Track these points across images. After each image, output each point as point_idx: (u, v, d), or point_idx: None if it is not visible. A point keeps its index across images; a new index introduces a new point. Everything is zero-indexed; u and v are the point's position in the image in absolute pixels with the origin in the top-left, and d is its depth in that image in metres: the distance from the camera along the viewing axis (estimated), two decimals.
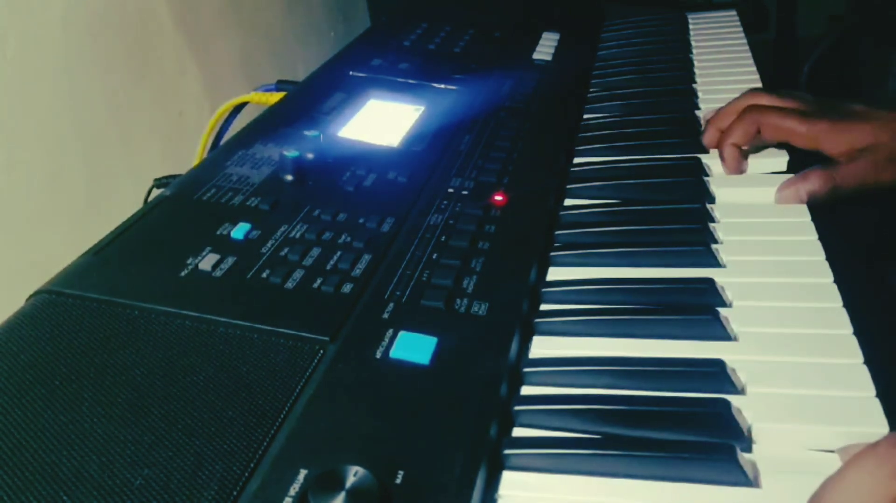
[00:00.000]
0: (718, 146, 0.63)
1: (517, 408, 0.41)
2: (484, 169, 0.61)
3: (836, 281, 0.48)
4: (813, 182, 0.57)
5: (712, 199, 0.60)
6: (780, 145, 0.63)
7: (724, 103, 0.67)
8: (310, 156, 0.61)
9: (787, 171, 0.62)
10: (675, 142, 0.68)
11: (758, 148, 0.63)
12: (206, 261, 0.48)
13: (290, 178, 0.58)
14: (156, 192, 0.66)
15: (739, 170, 0.62)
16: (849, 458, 0.33)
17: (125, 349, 0.41)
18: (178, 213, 0.54)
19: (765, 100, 0.63)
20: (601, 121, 0.76)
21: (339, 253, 0.49)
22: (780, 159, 0.63)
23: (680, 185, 0.61)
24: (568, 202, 0.62)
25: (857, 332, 0.44)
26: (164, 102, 0.88)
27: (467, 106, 0.74)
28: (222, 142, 0.80)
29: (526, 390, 0.43)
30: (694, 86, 0.80)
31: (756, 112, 0.61)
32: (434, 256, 0.50)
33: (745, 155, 0.63)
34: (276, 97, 0.79)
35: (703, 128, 0.67)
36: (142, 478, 0.34)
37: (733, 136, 0.62)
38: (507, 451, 0.38)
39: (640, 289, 0.49)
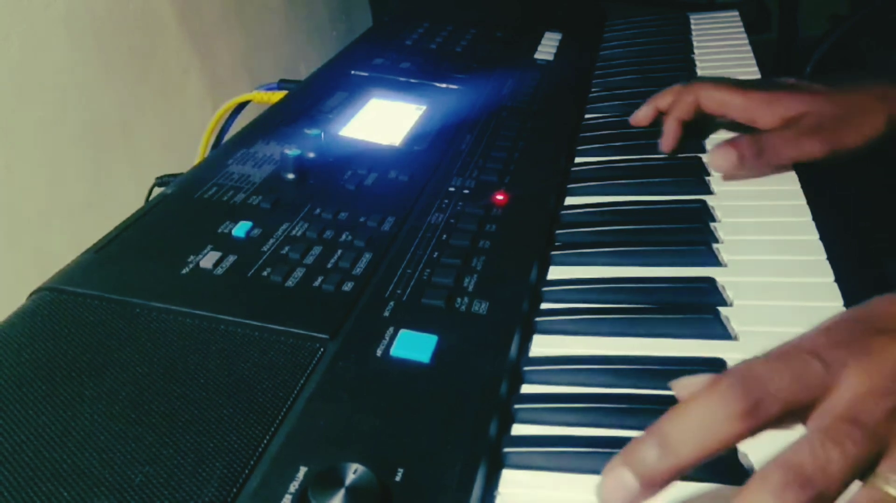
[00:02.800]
0: (663, 120, 0.66)
1: (517, 406, 0.41)
2: (485, 168, 0.62)
3: (836, 280, 0.48)
4: (742, 147, 0.59)
5: (713, 199, 0.60)
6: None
7: None
8: (311, 154, 0.61)
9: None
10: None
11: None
12: (208, 260, 0.48)
13: (291, 176, 0.58)
14: (157, 191, 0.66)
15: (675, 145, 0.65)
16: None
17: (126, 346, 0.41)
18: (179, 211, 0.54)
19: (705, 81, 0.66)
20: (602, 121, 0.76)
21: (339, 251, 0.50)
22: None
23: (681, 184, 0.61)
24: (569, 201, 0.62)
25: None
26: (166, 101, 0.88)
27: (469, 105, 0.74)
28: (224, 140, 0.80)
29: (526, 388, 0.43)
30: None
31: (695, 86, 0.64)
32: (435, 255, 0.50)
33: (684, 132, 0.65)
34: (277, 96, 0.79)
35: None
36: (142, 474, 0.34)
37: (675, 111, 0.65)
38: (506, 449, 0.38)
39: (641, 289, 0.49)
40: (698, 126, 0.67)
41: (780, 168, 0.62)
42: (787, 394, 0.32)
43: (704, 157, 0.64)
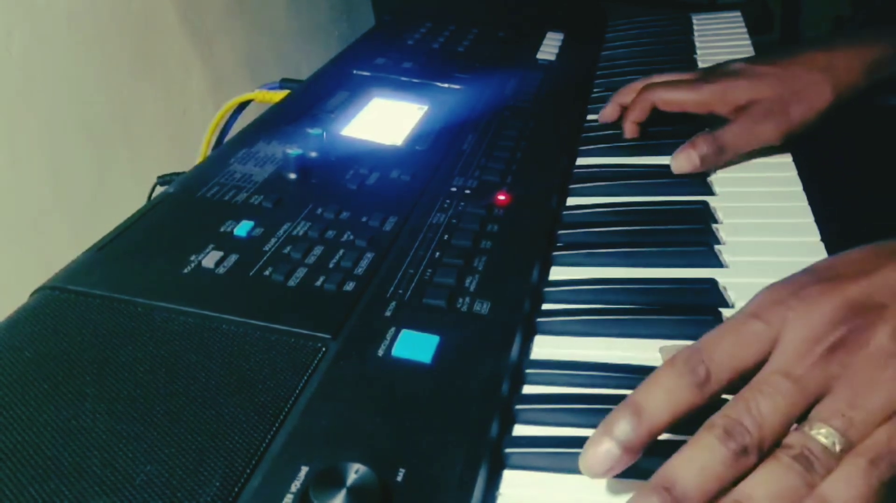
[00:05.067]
0: (622, 122, 0.69)
1: (518, 406, 0.41)
2: (487, 168, 0.62)
3: None
4: (701, 146, 0.61)
5: (715, 200, 0.60)
6: (784, 148, 0.63)
7: None
8: (313, 154, 0.61)
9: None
10: (679, 142, 0.68)
11: (762, 151, 0.63)
12: (209, 259, 0.48)
13: (293, 176, 0.58)
14: (159, 190, 0.66)
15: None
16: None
17: (128, 345, 0.41)
18: (181, 210, 0.54)
19: (658, 78, 0.70)
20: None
21: (341, 251, 0.50)
22: (784, 158, 0.63)
23: (683, 185, 0.61)
24: (571, 202, 0.62)
25: None
26: (168, 100, 0.88)
27: (471, 105, 0.74)
28: (226, 140, 0.80)
29: (527, 389, 0.43)
30: None
31: (649, 91, 0.68)
32: (436, 255, 0.50)
33: (642, 127, 0.69)
34: (279, 95, 0.79)
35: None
36: (144, 474, 0.34)
37: (632, 114, 0.68)
38: (508, 450, 0.38)
39: (643, 289, 0.49)
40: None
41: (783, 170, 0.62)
42: (732, 360, 0.35)
43: None
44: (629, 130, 0.69)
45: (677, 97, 0.66)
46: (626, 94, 0.71)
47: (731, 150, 0.62)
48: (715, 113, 0.64)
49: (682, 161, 0.61)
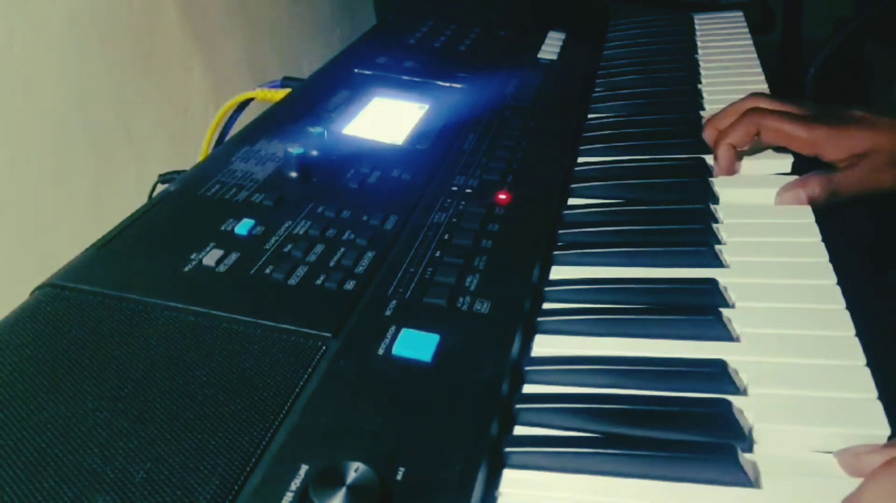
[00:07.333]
0: (714, 145, 0.64)
1: (518, 406, 0.41)
2: (488, 167, 0.62)
3: (838, 283, 0.48)
4: (813, 187, 0.57)
5: (716, 200, 0.60)
6: (785, 149, 0.63)
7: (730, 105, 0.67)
8: (314, 153, 0.61)
9: (792, 173, 0.62)
10: (680, 142, 0.68)
11: (762, 149, 0.63)
12: (210, 257, 0.48)
13: (294, 174, 0.58)
14: (160, 188, 0.66)
15: (731, 170, 0.62)
16: (867, 475, 0.34)
17: (128, 343, 0.41)
18: (182, 208, 0.54)
19: (766, 103, 0.63)
20: (606, 120, 0.76)
21: (342, 250, 0.50)
22: (784, 161, 0.63)
23: (684, 185, 0.61)
24: (572, 201, 0.62)
25: (859, 334, 0.44)
26: (169, 99, 0.88)
27: (472, 104, 0.74)
28: (227, 138, 0.80)
29: (527, 388, 0.43)
30: (699, 86, 0.80)
31: (757, 115, 0.61)
32: (437, 254, 0.50)
33: (739, 156, 0.63)
34: (281, 94, 0.79)
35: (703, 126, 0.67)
36: (144, 471, 0.34)
37: (732, 136, 0.61)
38: (508, 449, 0.38)
39: (643, 289, 0.49)
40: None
41: (783, 170, 0.62)
42: None
43: (707, 159, 0.64)
44: (725, 157, 0.61)
45: (788, 130, 0.59)
46: (724, 118, 0.64)
47: (845, 195, 0.57)
48: (821, 156, 0.59)
49: (788, 198, 0.58)
